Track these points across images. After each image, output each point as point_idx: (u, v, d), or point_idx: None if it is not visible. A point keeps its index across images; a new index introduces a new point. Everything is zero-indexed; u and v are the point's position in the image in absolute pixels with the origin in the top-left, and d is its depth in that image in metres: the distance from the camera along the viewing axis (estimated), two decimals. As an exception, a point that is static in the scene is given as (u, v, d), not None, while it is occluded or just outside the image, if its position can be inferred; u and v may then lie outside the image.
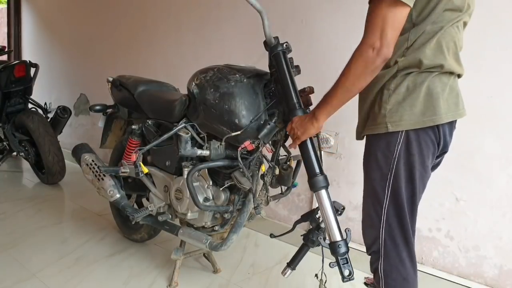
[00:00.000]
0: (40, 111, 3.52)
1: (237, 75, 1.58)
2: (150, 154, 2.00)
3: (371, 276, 2.09)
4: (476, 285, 1.90)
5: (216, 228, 1.77)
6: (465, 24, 1.19)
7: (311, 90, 1.54)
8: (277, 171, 1.60)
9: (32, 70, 3.52)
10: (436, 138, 1.16)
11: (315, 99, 1.37)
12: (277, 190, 1.73)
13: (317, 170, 1.34)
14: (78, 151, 2.25)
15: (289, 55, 1.55)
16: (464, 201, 1.92)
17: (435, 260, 2.02)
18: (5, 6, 5.83)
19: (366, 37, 1.08)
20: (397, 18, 1.05)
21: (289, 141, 1.51)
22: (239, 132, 1.52)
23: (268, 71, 1.56)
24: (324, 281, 1.41)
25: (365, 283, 1.48)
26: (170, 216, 1.90)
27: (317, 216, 1.43)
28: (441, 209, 1.98)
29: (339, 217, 1.35)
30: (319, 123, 1.27)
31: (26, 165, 3.77)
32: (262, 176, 1.58)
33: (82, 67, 4.16)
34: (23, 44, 5.04)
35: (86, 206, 2.91)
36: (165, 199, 1.91)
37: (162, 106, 1.90)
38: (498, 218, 1.84)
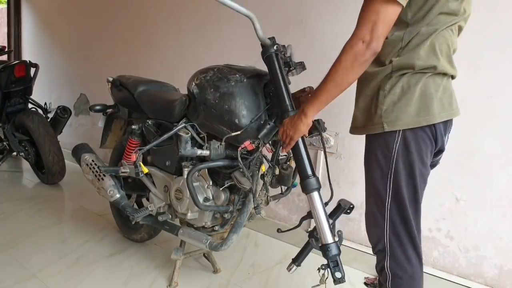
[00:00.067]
0: (40, 111, 3.51)
1: (237, 75, 1.58)
2: (150, 154, 2.00)
3: (371, 276, 2.09)
4: (476, 285, 1.90)
5: (216, 228, 1.77)
6: (460, 28, 1.21)
7: (311, 90, 1.54)
8: (277, 171, 1.60)
9: (32, 70, 3.52)
10: (433, 136, 1.18)
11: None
12: (277, 190, 1.73)
13: (309, 172, 1.35)
14: (78, 151, 2.25)
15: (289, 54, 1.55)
16: (464, 201, 1.92)
17: (435, 260, 2.03)
18: (5, 6, 5.83)
19: (357, 30, 1.11)
20: (389, 14, 1.08)
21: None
22: (239, 132, 1.52)
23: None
24: (325, 277, 1.41)
25: (365, 283, 1.49)
26: (170, 216, 1.90)
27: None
28: (441, 209, 1.98)
29: (341, 217, 1.35)
30: (308, 119, 1.27)
31: (26, 165, 3.77)
32: (262, 176, 1.59)
33: (82, 67, 4.16)
34: (23, 44, 5.04)
35: (86, 206, 2.91)
36: (165, 199, 1.91)
37: (162, 106, 1.90)
38: (498, 218, 1.84)
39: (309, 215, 1.48)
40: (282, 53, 1.48)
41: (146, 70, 3.29)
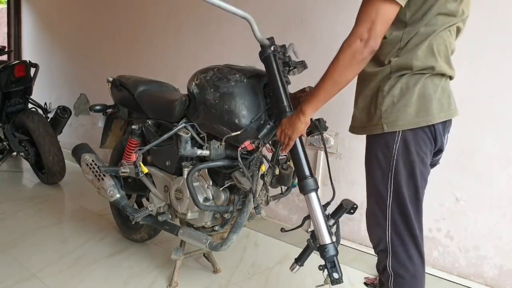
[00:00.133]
0: (40, 111, 3.51)
1: (237, 75, 1.58)
2: (150, 154, 2.00)
3: (371, 276, 2.09)
4: (476, 285, 1.90)
5: (216, 228, 1.77)
6: (458, 29, 1.22)
7: (311, 90, 1.54)
8: (277, 171, 1.60)
9: (32, 70, 3.52)
10: (432, 136, 1.18)
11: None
12: (277, 190, 1.73)
13: (307, 173, 1.35)
14: (78, 151, 2.25)
15: (290, 53, 1.55)
16: (464, 201, 1.92)
17: (435, 260, 2.03)
18: (5, 6, 5.83)
19: (355, 28, 1.12)
20: (387, 13, 1.09)
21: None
22: (239, 132, 1.52)
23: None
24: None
25: (365, 283, 1.49)
26: (170, 216, 1.90)
27: (325, 212, 1.43)
28: (441, 209, 1.98)
29: (343, 216, 1.35)
30: (306, 118, 1.27)
31: (26, 165, 3.77)
32: (262, 176, 1.59)
33: (82, 67, 4.17)
34: (23, 44, 5.04)
35: (86, 206, 2.91)
36: (165, 199, 1.91)
37: (162, 106, 1.90)
38: (498, 218, 1.84)
39: None
40: (280, 53, 1.48)
41: (146, 70, 3.29)
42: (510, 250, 1.83)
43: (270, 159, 1.58)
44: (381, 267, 1.30)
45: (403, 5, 1.09)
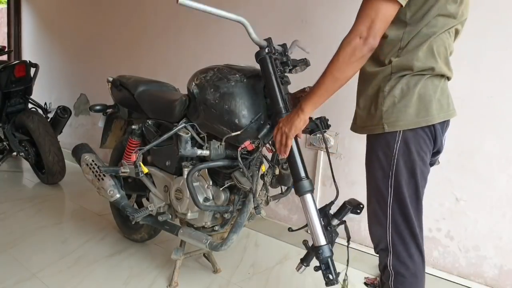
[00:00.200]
0: (40, 111, 3.51)
1: (237, 75, 1.58)
2: (150, 154, 2.00)
3: (371, 276, 2.09)
4: (476, 285, 1.90)
5: (216, 228, 1.77)
6: (457, 31, 1.23)
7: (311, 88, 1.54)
8: (277, 171, 1.60)
9: (32, 70, 3.52)
10: (432, 136, 1.20)
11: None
12: (277, 190, 1.73)
13: (303, 174, 1.36)
14: (78, 151, 2.25)
15: (290, 53, 1.55)
16: (464, 201, 1.92)
17: (435, 260, 2.03)
18: (5, 6, 5.83)
19: (355, 26, 1.13)
20: (387, 12, 1.10)
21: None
22: (239, 132, 1.52)
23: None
24: (346, 283, 1.42)
25: (365, 283, 1.49)
26: (170, 216, 1.90)
27: (330, 211, 1.43)
28: (441, 209, 1.98)
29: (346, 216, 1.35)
30: (305, 115, 1.27)
31: (26, 165, 3.77)
32: (262, 176, 1.59)
33: (82, 67, 4.17)
34: (23, 44, 5.04)
35: (86, 206, 2.91)
36: (165, 199, 1.91)
37: (162, 106, 1.90)
38: (498, 218, 1.84)
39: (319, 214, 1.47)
40: (277, 54, 1.47)
41: (146, 70, 3.29)
42: (510, 250, 1.83)
43: (270, 159, 1.58)
44: (381, 267, 1.30)
45: (403, 5, 1.10)
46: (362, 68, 1.22)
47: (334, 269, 1.31)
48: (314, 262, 1.42)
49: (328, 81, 1.19)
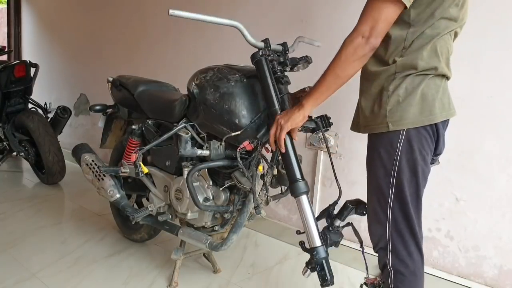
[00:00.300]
0: (40, 111, 3.51)
1: (237, 75, 1.58)
2: (150, 154, 2.00)
3: (371, 276, 2.09)
4: (476, 285, 1.90)
5: (216, 228, 1.77)
6: (456, 34, 1.25)
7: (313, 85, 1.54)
8: (275, 171, 1.60)
9: (32, 70, 3.52)
10: (434, 135, 1.21)
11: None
12: (277, 190, 1.73)
13: (298, 176, 1.36)
14: (78, 151, 2.25)
15: (292, 53, 1.54)
16: (464, 201, 1.92)
17: (435, 260, 2.03)
18: (5, 6, 5.83)
19: (358, 26, 1.15)
20: (391, 13, 1.12)
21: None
22: (239, 132, 1.52)
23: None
24: None
25: (365, 283, 1.48)
26: (170, 216, 1.90)
27: (334, 212, 1.43)
28: (441, 209, 1.98)
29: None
30: (305, 111, 1.28)
31: (26, 165, 3.77)
32: (262, 176, 1.58)
33: (82, 67, 4.17)
34: (23, 44, 5.04)
35: (86, 206, 2.91)
36: (165, 199, 1.91)
37: (162, 106, 1.90)
38: (498, 218, 1.84)
39: (319, 216, 1.47)
40: (273, 55, 1.47)
41: (146, 70, 3.28)
42: (510, 250, 1.83)
43: (270, 159, 1.58)
44: (381, 265, 1.31)
45: (407, 6, 1.11)
46: (364, 67, 1.23)
47: (330, 270, 1.32)
48: (301, 266, 1.41)
49: (330, 79, 1.20)
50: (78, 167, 2.31)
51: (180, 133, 1.62)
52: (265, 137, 1.51)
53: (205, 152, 1.61)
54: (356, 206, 1.41)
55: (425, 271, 2.05)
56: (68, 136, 4.04)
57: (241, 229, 1.66)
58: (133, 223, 2.05)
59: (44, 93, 4.37)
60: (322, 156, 2.35)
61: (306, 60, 1.51)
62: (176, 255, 1.87)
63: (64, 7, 4.39)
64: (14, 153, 3.55)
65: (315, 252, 1.32)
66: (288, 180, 1.38)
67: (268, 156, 1.62)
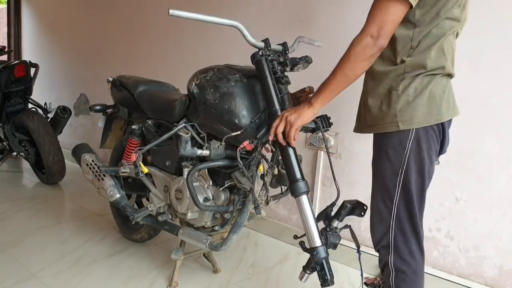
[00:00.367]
0: (40, 111, 3.51)
1: (237, 75, 1.58)
2: (150, 154, 2.00)
3: (371, 276, 2.09)
4: (476, 285, 1.90)
5: (216, 228, 1.77)
6: (457, 34, 1.28)
7: (311, 90, 1.55)
8: (276, 171, 1.60)
9: (32, 70, 3.52)
10: (440, 134, 1.24)
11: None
12: (277, 190, 1.73)
13: (298, 176, 1.36)
14: (78, 151, 2.25)
15: (291, 53, 1.54)
16: (464, 201, 1.92)
17: (435, 260, 2.03)
18: (5, 6, 5.83)
19: (366, 27, 1.16)
20: (398, 14, 1.13)
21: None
22: (239, 132, 1.52)
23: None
24: None
25: (365, 283, 1.49)
26: (170, 216, 1.90)
27: (331, 214, 1.43)
28: (441, 209, 1.98)
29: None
30: (314, 109, 1.28)
31: (26, 165, 3.77)
32: (262, 176, 1.58)
33: (82, 67, 4.16)
34: (23, 44, 5.04)
35: (86, 206, 2.91)
36: (165, 199, 1.91)
37: (162, 106, 1.90)
38: (498, 218, 1.84)
39: (317, 218, 1.47)
40: (273, 55, 1.47)
41: (146, 70, 3.28)
42: (510, 250, 1.83)
43: (270, 159, 1.58)
44: (382, 264, 1.32)
45: (413, 5, 1.12)
46: (370, 67, 1.23)
47: (330, 270, 1.32)
48: (301, 266, 1.41)
49: (339, 78, 1.21)
50: (78, 167, 2.31)
51: (180, 133, 1.62)
52: (265, 137, 1.51)
53: (205, 152, 1.61)
54: (354, 206, 1.40)
55: (425, 271, 2.05)
56: (68, 136, 4.04)
57: (241, 229, 1.66)
58: (133, 223, 2.05)
59: (44, 93, 4.37)
60: (322, 156, 2.35)
61: (306, 60, 1.51)
62: (176, 255, 1.87)
63: (64, 7, 4.39)
64: (14, 153, 3.55)
65: (315, 252, 1.32)
66: (288, 180, 1.39)
67: (268, 156, 1.62)
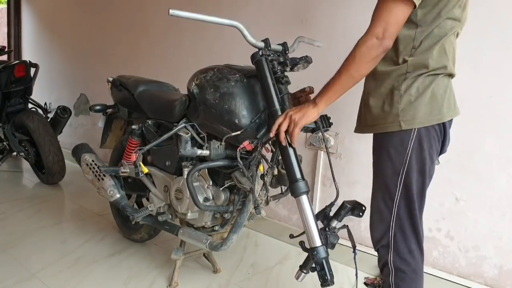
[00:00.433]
0: (40, 111, 3.51)
1: (237, 75, 1.58)
2: (150, 154, 2.00)
3: (371, 276, 2.09)
4: (476, 285, 1.90)
5: (216, 228, 1.77)
6: (457, 35, 1.28)
7: (311, 90, 1.55)
8: (276, 171, 1.60)
9: (32, 70, 3.52)
10: (441, 134, 1.24)
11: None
12: (277, 190, 1.73)
13: (298, 176, 1.36)
14: (78, 151, 2.25)
15: (291, 53, 1.54)
16: (464, 201, 1.92)
17: (435, 260, 2.03)
18: (5, 6, 5.83)
19: (371, 28, 1.16)
20: (402, 14, 1.14)
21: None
22: (239, 132, 1.52)
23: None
24: None
25: (365, 283, 1.49)
26: (170, 216, 1.90)
27: (330, 214, 1.43)
28: (441, 209, 1.98)
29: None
30: (319, 108, 1.28)
31: (26, 165, 3.77)
32: (262, 176, 1.58)
33: (82, 67, 4.17)
34: (23, 44, 5.04)
35: (86, 206, 2.91)
36: (165, 199, 1.91)
37: (162, 106, 1.90)
38: (498, 218, 1.84)
39: (319, 216, 1.47)
40: (273, 55, 1.47)
41: (146, 70, 3.28)
42: (510, 250, 1.83)
43: (270, 159, 1.58)
44: (381, 264, 1.32)
45: (417, 5, 1.13)
46: None
47: (330, 270, 1.32)
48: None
49: (344, 78, 1.21)
50: (78, 167, 2.31)
51: (180, 133, 1.62)
52: (265, 137, 1.51)
53: (205, 152, 1.61)
54: (353, 207, 1.40)
55: (425, 271, 2.05)
56: (68, 136, 4.04)
57: (241, 229, 1.66)
58: (133, 223, 2.05)
59: (44, 93, 4.37)
60: (322, 156, 2.35)
61: (306, 60, 1.50)
62: (176, 255, 1.87)
63: (64, 7, 4.39)
64: (14, 153, 3.55)
65: (315, 252, 1.32)
66: (288, 180, 1.38)
67: (268, 156, 1.62)
